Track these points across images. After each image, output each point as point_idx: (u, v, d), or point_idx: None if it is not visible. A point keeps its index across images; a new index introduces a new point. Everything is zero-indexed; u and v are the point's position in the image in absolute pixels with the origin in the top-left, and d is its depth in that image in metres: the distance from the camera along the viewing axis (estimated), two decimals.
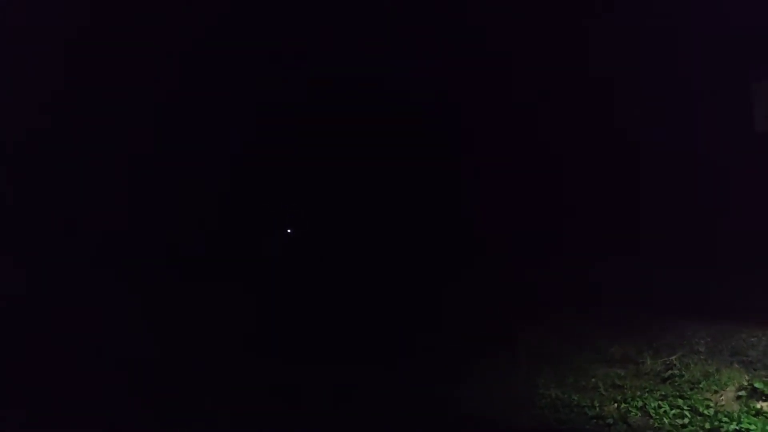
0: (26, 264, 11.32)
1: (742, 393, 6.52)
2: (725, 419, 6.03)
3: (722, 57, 10.60)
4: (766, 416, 6.01)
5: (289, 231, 15.95)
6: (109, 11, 12.21)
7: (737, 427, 5.86)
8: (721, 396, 6.59)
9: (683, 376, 7.09)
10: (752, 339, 7.83)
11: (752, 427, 5.82)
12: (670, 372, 7.22)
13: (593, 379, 7.31)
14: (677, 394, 6.72)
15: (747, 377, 6.81)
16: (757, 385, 6.50)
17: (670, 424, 6.11)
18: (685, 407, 6.38)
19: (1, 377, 7.47)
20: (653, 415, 6.34)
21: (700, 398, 6.56)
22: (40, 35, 11.68)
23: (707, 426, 5.98)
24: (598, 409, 6.59)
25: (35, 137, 11.88)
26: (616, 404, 6.65)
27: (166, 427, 6.44)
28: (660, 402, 6.56)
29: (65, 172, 12.59)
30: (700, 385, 6.83)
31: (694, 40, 10.89)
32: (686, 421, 6.13)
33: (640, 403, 6.58)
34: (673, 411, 6.34)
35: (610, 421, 6.32)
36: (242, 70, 13.92)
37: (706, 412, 6.24)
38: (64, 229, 12.11)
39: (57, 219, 12.21)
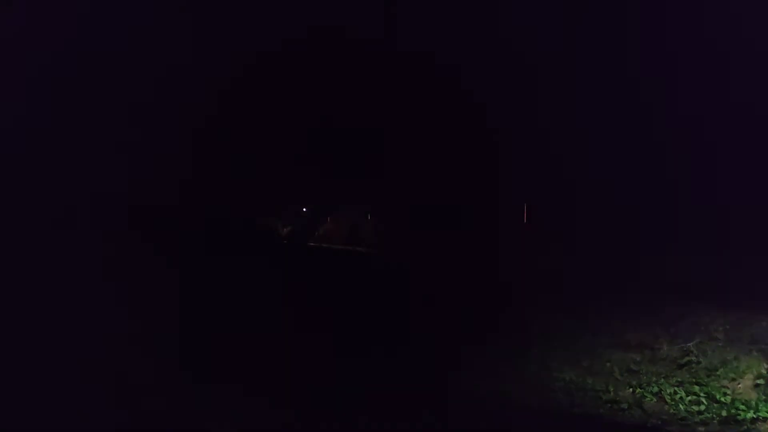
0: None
1: (761, 381, 6.45)
2: (742, 407, 5.97)
3: None
4: None
5: (304, 209, 15.93)
6: None
7: (754, 416, 5.80)
8: (739, 384, 6.52)
9: (700, 362, 7.03)
10: None
11: None
12: (686, 358, 7.16)
13: (608, 364, 7.26)
14: (694, 380, 6.66)
15: (766, 365, 6.72)
16: None
17: (686, 411, 6.06)
18: (702, 394, 6.33)
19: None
20: (669, 401, 6.29)
21: (717, 385, 6.50)
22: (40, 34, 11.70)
23: (724, 413, 5.92)
24: (612, 393, 6.55)
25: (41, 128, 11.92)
26: (631, 389, 6.61)
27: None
28: (676, 388, 6.51)
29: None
30: (718, 373, 6.76)
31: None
32: (702, 408, 6.07)
33: (656, 389, 6.53)
34: (689, 397, 6.29)
35: (625, 406, 6.28)
36: (266, 57, 13.88)
37: (722, 399, 6.19)
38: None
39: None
